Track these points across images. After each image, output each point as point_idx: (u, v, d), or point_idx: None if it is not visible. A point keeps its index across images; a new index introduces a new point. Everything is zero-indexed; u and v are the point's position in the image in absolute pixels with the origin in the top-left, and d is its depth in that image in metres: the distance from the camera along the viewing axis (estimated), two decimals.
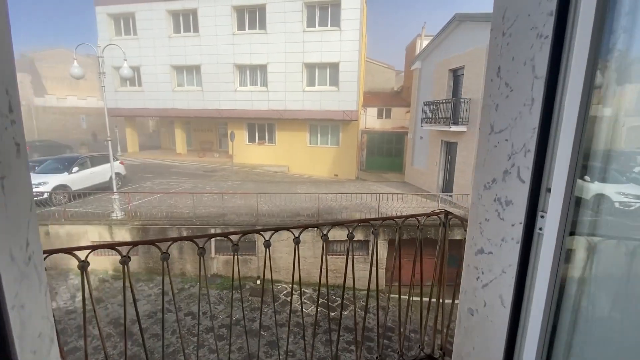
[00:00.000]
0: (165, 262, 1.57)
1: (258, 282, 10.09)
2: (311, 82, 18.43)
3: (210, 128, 24.73)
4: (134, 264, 10.14)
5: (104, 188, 12.43)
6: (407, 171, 17.80)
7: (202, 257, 1.71)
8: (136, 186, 14.41)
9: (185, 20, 19.73)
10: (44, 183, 10.95)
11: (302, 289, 10.07)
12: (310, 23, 17.69)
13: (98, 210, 10.66)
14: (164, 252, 1.51)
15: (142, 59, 20.47)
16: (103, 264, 10.09)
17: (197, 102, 20.26)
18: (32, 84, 35.37)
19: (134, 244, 1.59)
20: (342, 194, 11.57)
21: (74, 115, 33.39)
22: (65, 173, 11.76)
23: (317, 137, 19.54)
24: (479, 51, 11.07)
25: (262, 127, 20.38)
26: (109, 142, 10.29)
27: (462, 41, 12.37)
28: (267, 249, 1.93)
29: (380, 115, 23.88)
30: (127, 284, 1.43)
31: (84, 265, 1.38)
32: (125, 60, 9.56)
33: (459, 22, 12.54)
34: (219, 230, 9.94)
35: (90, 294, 1.44)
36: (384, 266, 10.04)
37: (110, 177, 11.01)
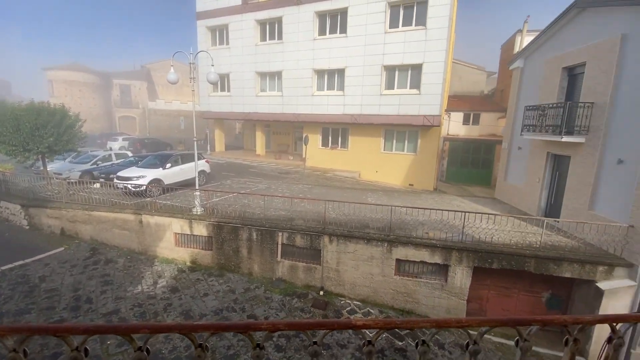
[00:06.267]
0: None
1: (321, 292, 9.66)
2: (390, 85, 17.49)
3: (287, 131, 25.61)
4: (207, 258, 10.70)
5: (192, 184, 13.57)
6: (499, 186, 15.44)
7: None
8: (218, 183, 15.47)
9: (271, 29, 20.76)
10: (143, 176, 12.42)
11: (368, 309, 9.30)
12: (393, 24, 16.80)
13: (182, 204, 11.60)
14: (199, 345, 0.97)
15: (232, 66, 22.25)
16: (183, 255, 10.90)
17: (277, 106, 21.10)
18: (148, 90, 42.03)
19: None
20: (419, 208, 10.31)
21: (175, 117, 38.40)
22: (160, 168, 13.18)
23: (392, 143, 18.44)
24: (609, 43, 8.79)
25: (336, 131, 20.16)
26: (195, 142, 11.12)
27: (584, 32, 10.08)
28: None
29: (466, 121, 21.49)
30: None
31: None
32: (212, 65, 10.21)
33: (581, 10, 10.24)
34: (286, 234, 9.83)
35: None
36: (465, 297, 8.61)
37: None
